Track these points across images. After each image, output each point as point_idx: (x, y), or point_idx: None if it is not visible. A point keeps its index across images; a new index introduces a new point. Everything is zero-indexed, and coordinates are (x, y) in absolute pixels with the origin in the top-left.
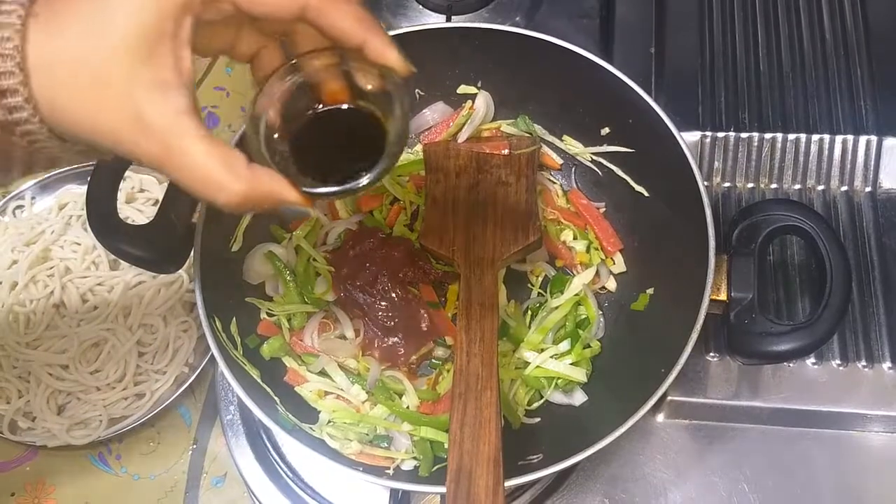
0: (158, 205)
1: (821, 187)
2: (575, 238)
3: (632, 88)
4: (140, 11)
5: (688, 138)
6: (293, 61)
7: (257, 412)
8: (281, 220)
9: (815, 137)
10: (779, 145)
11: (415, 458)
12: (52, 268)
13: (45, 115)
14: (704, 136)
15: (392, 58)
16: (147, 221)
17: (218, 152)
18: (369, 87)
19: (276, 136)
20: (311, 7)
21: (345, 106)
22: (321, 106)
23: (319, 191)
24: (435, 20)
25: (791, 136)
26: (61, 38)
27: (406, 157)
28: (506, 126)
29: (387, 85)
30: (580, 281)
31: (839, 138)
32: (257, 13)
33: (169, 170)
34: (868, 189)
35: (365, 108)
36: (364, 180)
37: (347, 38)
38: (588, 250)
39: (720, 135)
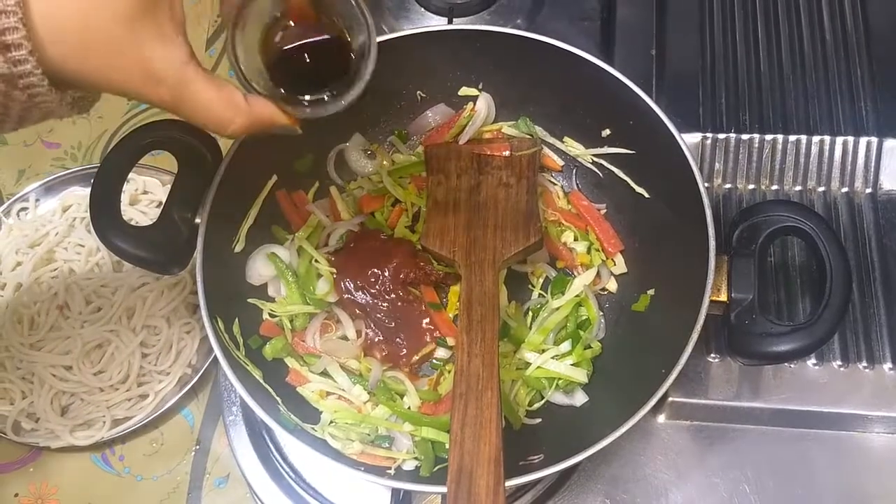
0: (162, 206)
1: (821, 188)
2: (576, 239)
3: (632, 90)
4: None
5: (688, 140)
6: None
7: (259, 412)
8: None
9: (816, 139)
10: (779, 147)
11: (416, 458)
12: (55, 269)
13: (54, 71)
14: (705, 138)
15: None
16: (150, 223)
17: (223, 94)
18: (334, 10)
19: (258, 57)
20: None
21: (318, 37)
22: (293, 24)
23: (306, 113)
24: (437, 23)
25: (792, 138)
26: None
27: (408, 158)
28: (507, 128)
29: (352, 7)
30: (581, 282)
31: (840, 140)
32: None
33: (181, 112)
34: (868, 190)
35: (334, 33)
36: (344, 101)
37: None
38: (589, 251)
39: (721, 136)
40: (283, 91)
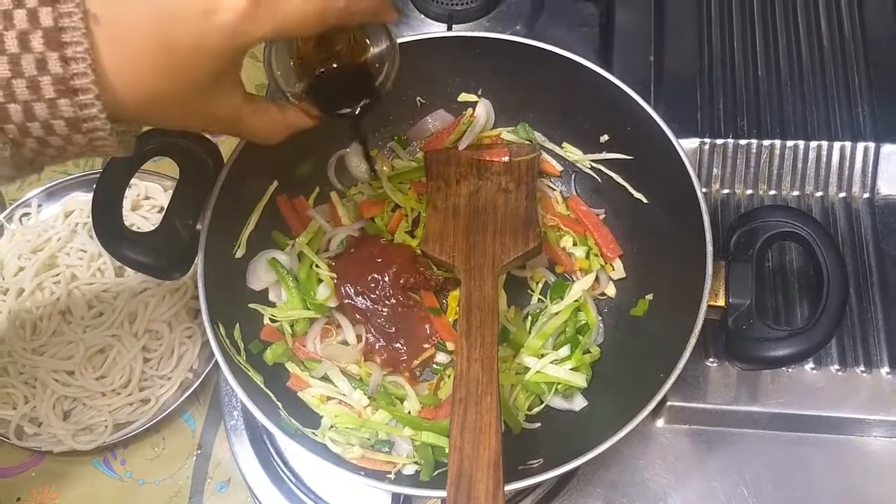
0: (163, 212)
1: (819, 194)
2: (574, 244)
3: (630, 96)
4: (217, 60)
5: (686, 145)
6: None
7: (260, 417)
8: None
9: (814, 144)
10: (777, 152)
11: (416, 462)
12: (58, 275)
13: (115, 117)
14: (703, 143)
15: (391, 17)
16: (152, 228)
17: (267, 118)
18: (370, 46)
19: (291, 71)
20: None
21: (343, 60)
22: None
23: (340, 112)
24: (436, 29)
25: (789, 143)
26: (135, 58)
27: (407, 164)
28: (506, 133)
29: (382, 41)
30: (580, 287)
31: (837, 145)
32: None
33: (233, 136)
34: (866, 195)
35: (363, 59)
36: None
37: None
38: (588, 256)
39: (719, 142)
40: (313, 101)
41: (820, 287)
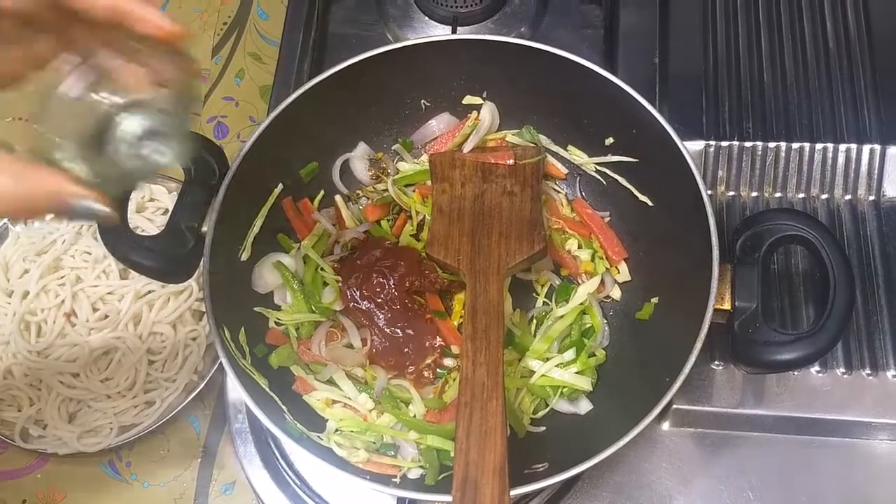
0: (168, 214)
1: (825, 196)
2: (580, 247)
3: (635, 99)
4: None
5: (692, 148)
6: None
7: (265, 421)
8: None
9: (819, 146)
10: (782, 154)
11: (421, 466)
12: (63, 277)
13: None
14: (708, 146)
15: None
16: (157, 231)
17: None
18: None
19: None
20: None
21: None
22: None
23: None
24: (441, 32)
25: (795, 145)
26: None
27: (412, 167)
28: (511, 136)
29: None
30: (585, 290)
31: (843, 147)
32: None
33: None
34: (872, 198)
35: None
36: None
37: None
38: (593, 259)
39: (724, 144)
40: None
41: (826, 290)
